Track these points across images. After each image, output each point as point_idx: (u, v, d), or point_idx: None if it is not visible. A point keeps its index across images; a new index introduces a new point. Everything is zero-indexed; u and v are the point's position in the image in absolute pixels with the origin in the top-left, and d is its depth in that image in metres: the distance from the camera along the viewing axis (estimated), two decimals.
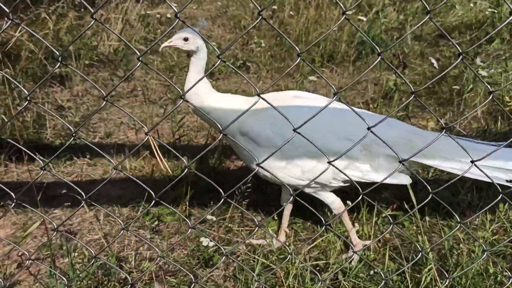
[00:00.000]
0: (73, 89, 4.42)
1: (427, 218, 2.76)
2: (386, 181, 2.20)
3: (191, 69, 2.42)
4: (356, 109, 2.48)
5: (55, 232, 2.44)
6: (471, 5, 6.44)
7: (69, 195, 3.04)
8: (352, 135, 2.27)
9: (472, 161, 1.57)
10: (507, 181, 2.36)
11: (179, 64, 4.96)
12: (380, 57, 1.35)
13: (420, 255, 2.09)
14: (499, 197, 1.74)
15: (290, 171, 2.31)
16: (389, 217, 1.84)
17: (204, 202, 2.98)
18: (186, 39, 2.35)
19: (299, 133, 1.48)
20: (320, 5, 5.90)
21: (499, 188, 1.73)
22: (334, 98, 1.42)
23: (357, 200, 1.72)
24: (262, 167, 1.60)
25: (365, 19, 5.11)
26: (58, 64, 1.37)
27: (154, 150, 2.04)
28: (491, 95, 1.48)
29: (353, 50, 5.03)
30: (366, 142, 2.25)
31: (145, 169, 3.24)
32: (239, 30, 5.97)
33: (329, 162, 1.53)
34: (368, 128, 1.47)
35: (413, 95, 1.41)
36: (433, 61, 3.56)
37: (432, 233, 2.73)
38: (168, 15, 6.14)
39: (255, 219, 1.87)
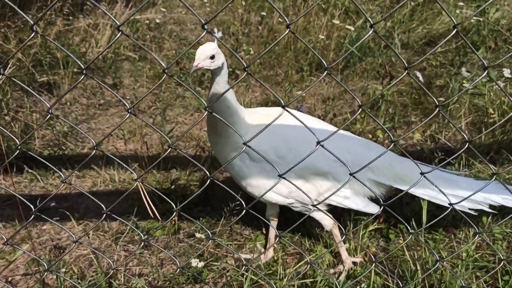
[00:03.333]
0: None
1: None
2: (360, 209, 2.28)
3: (218, 83, 2.28)
4: (342, 132, 2.53)
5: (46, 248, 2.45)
6: (458, 11, 6.53)
7: (58, 208, 3.05)
8: (340, 156, 2.31)
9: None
10: (469, 209, 2.46)
11: (168, 71, 4.96)
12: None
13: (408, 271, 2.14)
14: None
15: (277, 188, 2.34)
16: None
17: (193, 215, 3.00)
18: (212, 57, 2.20)
19: (322, 146, 1.51)
20: (310, 12, 5.94)
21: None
22: (359, 111, 1.45)
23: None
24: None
25: (352, 28, 5.16)
26: (83, 77, 1.36)
27: (143, 196, 2.04)
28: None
29: (341, 59, 5.07)
30: (350, 165, 2.30)
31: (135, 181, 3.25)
32: (228, 36, 5.99)
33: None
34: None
35: (437, 109, 1.42)
36: (418, 74, 3.61)
37: (418, 246, 2.79)
38: (157, 21, 6.14)
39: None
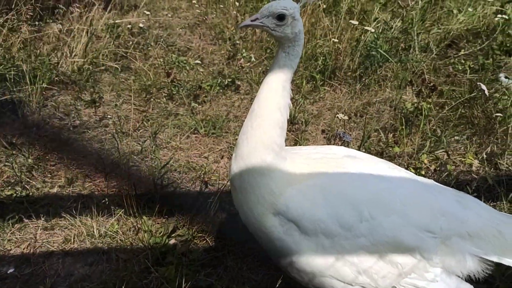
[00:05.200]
0: (27, 118, 3.61)
1: None
2: None
3: (276, 71, 1.65)
4: (405, 173, 1.80)
5: None
6: (470, 9, 5.89)
7: (18, 277, 2.27)
8: (432, 223, 1.58)
9: None
10: None
11: (156, 83, 4.20)
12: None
13: None
14: None
15: (338, 272, 1.58)
16: None
17: (200, 284, 2.24)
18: (281, 18, 1.59)
19: None
20: (314, 13, 5.23)
21: None
22: None
23: None
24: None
25: (372, 29, 4.45)
26: None
27: None
28: None
29: (356, 65, 4.37)
30: (446, 233, 1.58)
31: (119, 235, 2.48)
32: (222, 41, 5.25)
33: None
34: None
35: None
36: (483, 87, 2.93)
37: None
38: (141, 25, 5.37)
39: None
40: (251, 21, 1.63)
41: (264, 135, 1.61)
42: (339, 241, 1.53)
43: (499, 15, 5.42)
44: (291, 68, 1.67)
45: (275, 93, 1.63)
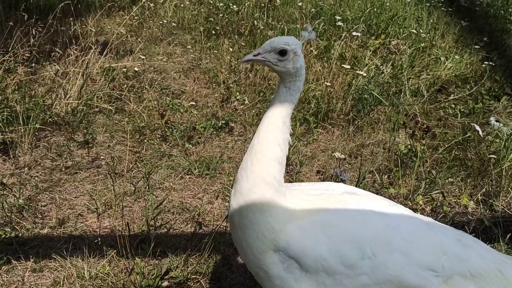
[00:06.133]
0: (19, 159, 3.57)
1: None
2: None
3: (276, 105, 1.65)
4: (404, 211, 1.78)
5: None
6: (457, 57, 6.07)
7: None
8: (434, 262, 1.55)
9: None
10: None
11: (150, 125, 4.20)
12: None
13: None
14: None
15: None
16: None
17: None
18: (283, 53, 1.61)
19: None
20: (306, 58, 5.36)
21: None
22: None
23: None
24: None
25: (365, 74, 4.55)
26: None
27: None
28: None
29: (349, 108, 4.44)
30: (448, 272, 1.55)
31: (111, 276, 2.40)
32: (216, 85, 5.32)
33: None
34: None
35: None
36: (477, 128, 2.97)
37: None
38: (136, 68, 5.44)
39: None
40: (254, 56, 1.65)
41: (263, 171, 1.60)
42: (340, 280, 1.49)
43: (486, 62, 5.59)
44: (292, 103, 1.67)
45: (275, 128, 1.63)
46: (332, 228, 1.54)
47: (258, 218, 1.56)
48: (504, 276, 1.60)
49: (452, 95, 5.05)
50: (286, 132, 1.66)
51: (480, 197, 3.02)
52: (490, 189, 3.08)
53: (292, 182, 3.43)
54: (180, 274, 2.42)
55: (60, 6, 5.36)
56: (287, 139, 1.67)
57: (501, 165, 3.17)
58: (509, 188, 3.03)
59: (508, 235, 2.49)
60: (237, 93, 4.88)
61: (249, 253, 1.60)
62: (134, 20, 7.24)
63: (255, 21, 6.97)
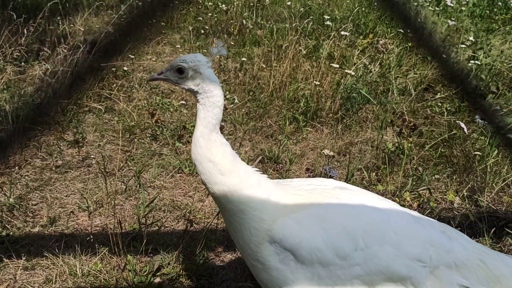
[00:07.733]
0: (8, 158, 3.56)
1: None
2: None
3: (198, 124, 1.60)
4: (393, 205, 1.84)
5: None
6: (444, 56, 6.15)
7: None
8: (423, 253, 1.60)
9: None
10: None
11: (140, 124, 4.22)
12: None
13: None
14: None
15: None
16: None
17: None
18: (181, 71, 1.59)
19: None
20: (295, 57, 5.40)
21: None
22: None
23: None
24: None
25: (353, 73, 4.61)
26: None
27: None
28: None
29: (338, 107, 4.49)
30: (435, 263, 1.61)
31: (103, 273, 2.42)
32: None
33: None
34: None
35: None
36: (462, 125, 3.04)
37: None
38: (125, 68, 5.45)
39: None
40: (158, 75, 1.66)
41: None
42: (334, 270, 1.54)
43: (472, 61, 5.69)
44: (212, 119, 1.60)
45: (205, 150, 1.59)
46: (327, 221, 1.59)
47: (244, 218, 1.61)
48: (486, 266, 1.67)
49: (439, 93, 5.13)
50: (217, 146, 1.60)
51: (465, 193, 3.09)
52: (475, 185, 3.15)
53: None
54: (172, 271, 2.45)
55: (48, 5, 5.34)
56: (224, 143, 1.63)
57: (485, 161, 3.24)
58: (493, 184, 3.10)
59: (493, 230, 2.56)
60: (227, 92, 4.91)
61: (246, 248, 1.64)
62: (122, 19, 7.23)
63: (244, 21, 7.01)
